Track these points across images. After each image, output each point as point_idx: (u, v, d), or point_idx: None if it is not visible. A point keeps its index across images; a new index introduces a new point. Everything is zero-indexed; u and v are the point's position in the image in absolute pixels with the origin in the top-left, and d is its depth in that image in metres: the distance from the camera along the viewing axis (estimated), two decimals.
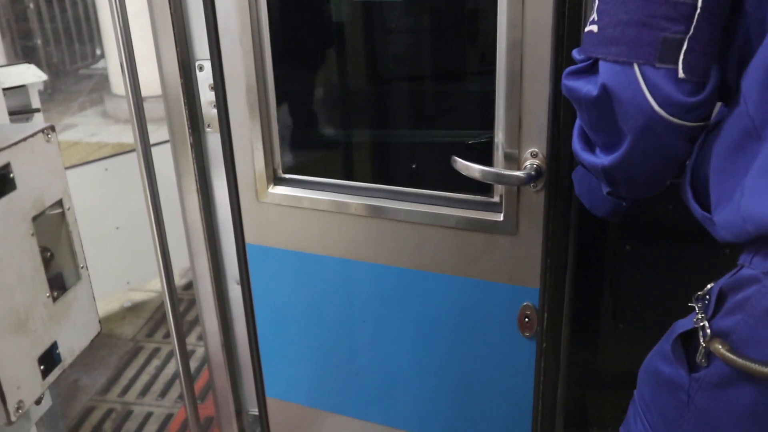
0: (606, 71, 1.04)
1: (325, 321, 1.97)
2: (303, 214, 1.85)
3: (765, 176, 0.93)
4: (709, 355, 1.00)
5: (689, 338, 1.06)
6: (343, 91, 2.27)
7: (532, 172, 1.53)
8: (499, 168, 1.59)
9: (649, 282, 1.85)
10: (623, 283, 1.88)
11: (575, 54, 1.12)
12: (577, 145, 1.21)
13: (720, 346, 0.97)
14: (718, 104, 1.10)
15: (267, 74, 1.77)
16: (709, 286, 1.05)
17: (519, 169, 1.56)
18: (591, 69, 1.08)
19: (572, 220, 1.63)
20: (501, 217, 1.63)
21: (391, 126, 2.29)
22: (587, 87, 1.08)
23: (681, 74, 0.99)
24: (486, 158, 1.61)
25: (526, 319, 1.69)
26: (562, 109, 1.46)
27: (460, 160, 1.55)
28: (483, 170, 1.53)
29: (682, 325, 1.08)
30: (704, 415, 1.03)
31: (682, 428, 1.06)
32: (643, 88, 1.01)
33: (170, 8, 1.72)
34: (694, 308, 1.06)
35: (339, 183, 1.84)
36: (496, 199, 1.64)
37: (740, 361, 0.94)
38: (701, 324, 1.01)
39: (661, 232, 1.81)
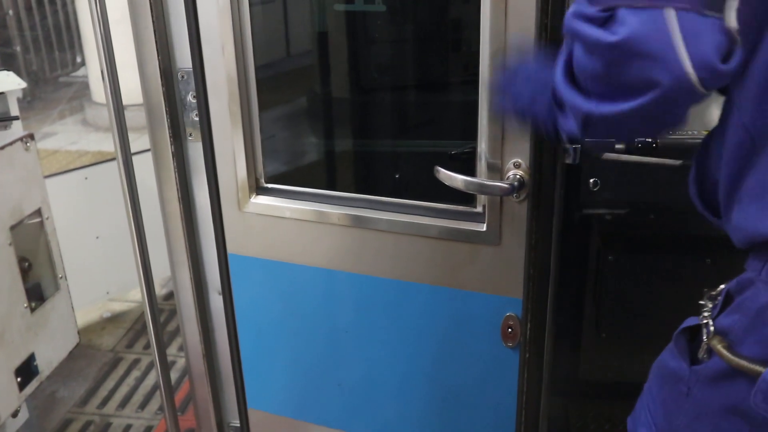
0: (632, 20, 0.89)
1: (308, 331, 1.95)
2: (285, 224, 1.84)
3: (754, 193, 0.97)
4: (710, 351, 1.04)
5: (696, 334, 1.10)
6: (327, 101, 2.27)
7: (515, 183, 1.53)
8: (482, 178, 1.59)
9: (631, 291, 1.86)
10: (606, 292, 1.89)
11: (584, 8, 0.95)
12: (560, 77, 1.05)
13: (718, 344, 1.02)
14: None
15: (249, 83, 1.76)
16: (721, 286, 1.09)
17: (502, 179, 1.56)
18: (604, 24, 0.93)
19: (555, 230, 1.63)
20: (484, 227, 1.63)
21: (374, 136, 2.29)
22: (604, 35, 0.92)
23: (733, 23, 0.87)
24: (469, 168, 1.61)
25: (509, 330, 1.69)
26: None
27: (443, 170, 1.55)
28: (466, 180, 1.54)
29: (690, 320, 1.12)
30: (700, 407, 1.07)
31: (678, 419, 1.10)
32: (677, 41, 0.87)
33: (152, 16, 1.71)
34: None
35: (321, 193, 1.83)
36: (479, 209, 1.64)
37: (732, 357, 0.99)
38: (705, 322, 1.06)
39: (644, 242, 1.82)
